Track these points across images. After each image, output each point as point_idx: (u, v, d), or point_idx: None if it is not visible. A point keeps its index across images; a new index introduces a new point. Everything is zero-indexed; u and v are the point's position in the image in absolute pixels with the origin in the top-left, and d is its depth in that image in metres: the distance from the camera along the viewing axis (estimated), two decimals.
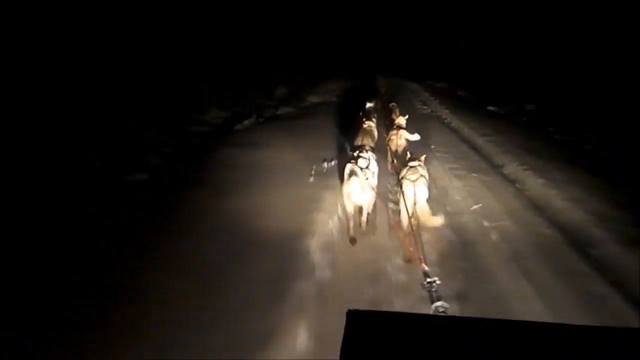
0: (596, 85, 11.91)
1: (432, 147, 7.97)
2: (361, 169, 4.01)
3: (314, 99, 13.79)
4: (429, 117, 11.71)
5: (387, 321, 0.98)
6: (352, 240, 4.20)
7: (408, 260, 3.85)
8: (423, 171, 4.11)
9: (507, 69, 17.21)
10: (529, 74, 15.71)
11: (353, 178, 3.94)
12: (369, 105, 7.64)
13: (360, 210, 4.19)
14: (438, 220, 4.08)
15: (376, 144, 6.11)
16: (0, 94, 8.34)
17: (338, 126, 8.89)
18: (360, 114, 6.73)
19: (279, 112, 11.44)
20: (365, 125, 6.21)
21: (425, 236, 4.30)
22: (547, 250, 4.27)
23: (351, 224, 4.22)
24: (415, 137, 6.10)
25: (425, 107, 13.71)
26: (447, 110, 12.40)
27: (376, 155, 4.65)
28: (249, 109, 11.69)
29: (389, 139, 6.13)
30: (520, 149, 7.78)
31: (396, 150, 5.97)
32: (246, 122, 9.77)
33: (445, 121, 11.31)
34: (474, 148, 8.36)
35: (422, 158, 4.40)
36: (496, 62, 18.37)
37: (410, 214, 3.89)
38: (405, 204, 3.83)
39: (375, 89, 15.70)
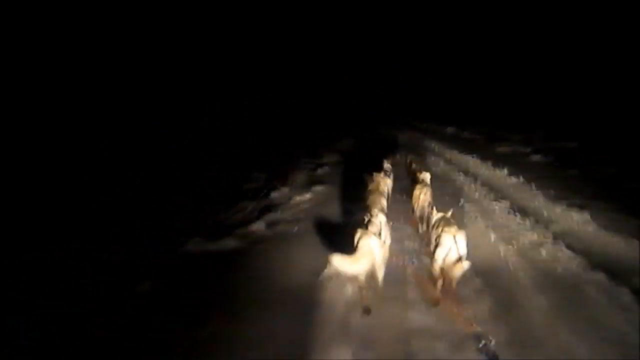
0: None
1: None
2: (373, 234, 3.79)
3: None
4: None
5: None
6: (367, 311, 3.89)
7: None
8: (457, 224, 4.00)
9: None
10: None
11: (364, 243, 3.69)
12: (386, 164, 7.17)
13: (372, 276, 3.85)
14: (463, 266, 3.72)
15: (390, 202, 5.75)
16: None
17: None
18: (373, 174, 6.24)
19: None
20: (372, 187, 5.84)
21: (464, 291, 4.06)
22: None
23: (364, 292, 3.92)
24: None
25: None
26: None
27: (390, 216, 4.51)
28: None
29: (413, 197, 5.77)
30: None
31: (422, 208, 5.58)
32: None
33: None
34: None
35: (449, 213, 4.33)
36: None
37: (440, 270, 3.79)
38: (439, 258, 3.77)
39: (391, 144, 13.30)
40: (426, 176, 6.18)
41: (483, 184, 8.08)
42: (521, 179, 8.07)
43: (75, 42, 11.52)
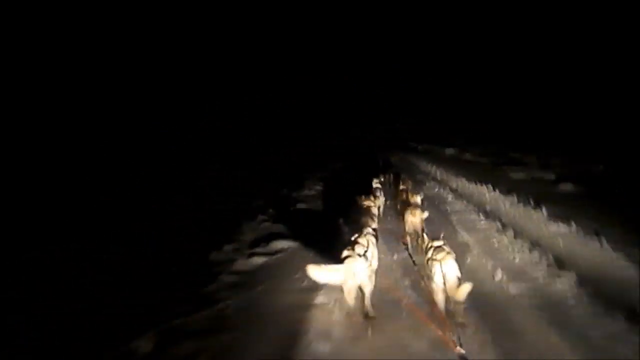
0: None
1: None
2: (359, 255, 3.66)
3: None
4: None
5: None
6: (371, 318, 3.75)
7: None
8: (448, 249, 3.88)
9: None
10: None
11: (349, 265, 3.60)
12: (375, 183, 7.20)
13: (361, 296, 3.77)
14: (465, 288, 3.55)
15: (380, 223, 5.57)
16: None
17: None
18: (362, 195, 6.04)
19: None
20: (363, 204, 5.73)
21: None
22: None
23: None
24: (425, 214, 5.65)
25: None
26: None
27: (378, 236, 4.34)
28: None
29: (404, 219, 5.58)
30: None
31: (414, 231, 5.43)
32: None
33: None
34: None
35: (441, 236, 4.23)
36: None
37: (442, 296, 3.67)
38: (436, 287, 3.64)
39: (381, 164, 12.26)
40: (417, 199, 6.05)
41: (517, 234, 5.45)
42: (573, 226, 5.15)
43: (75, 43, 11.53)
